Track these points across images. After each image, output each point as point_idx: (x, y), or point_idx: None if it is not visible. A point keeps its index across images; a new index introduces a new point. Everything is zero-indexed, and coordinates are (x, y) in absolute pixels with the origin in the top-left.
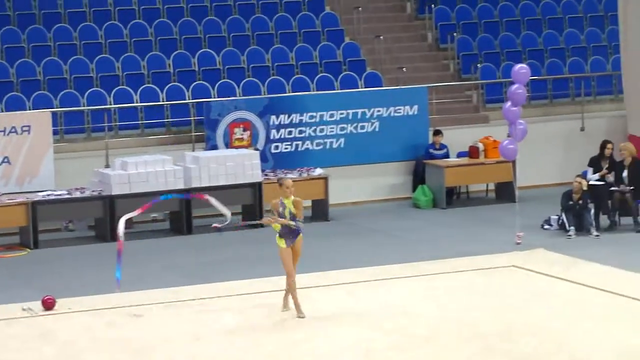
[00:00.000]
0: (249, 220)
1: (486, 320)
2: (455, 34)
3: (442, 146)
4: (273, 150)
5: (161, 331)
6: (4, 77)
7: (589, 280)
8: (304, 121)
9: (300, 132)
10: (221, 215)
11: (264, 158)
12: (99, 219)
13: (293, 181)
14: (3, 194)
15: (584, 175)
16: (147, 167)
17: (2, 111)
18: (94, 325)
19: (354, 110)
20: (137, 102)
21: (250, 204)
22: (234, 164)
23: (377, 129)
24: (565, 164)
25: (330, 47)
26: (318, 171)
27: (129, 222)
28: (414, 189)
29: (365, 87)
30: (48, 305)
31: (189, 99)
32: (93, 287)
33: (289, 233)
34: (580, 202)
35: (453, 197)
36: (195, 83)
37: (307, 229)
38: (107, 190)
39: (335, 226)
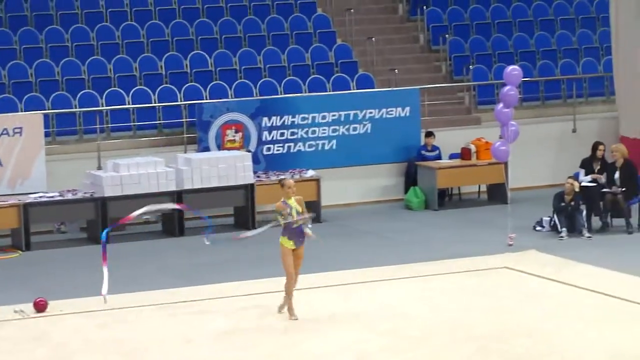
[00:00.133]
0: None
1: (478, 321)
2: (447, 35)
3: (434, 148)
4: (265, 152)
5: (153, 333)
6: None
7: (580, 281)
8: (296, 123)
9: (293, 133)
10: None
11: (256, 160)
12: (91, 220)
13: None
14: None
15: (575, 177)
16: (139, 169)
17: None
18: (86, 327)
19: (346, 112)
20: (129, 104)
21: (242, 206)
22: (226, 166)
23: (369, 131)
24: (557, 165)
25: (322, 48)
26: (310, 173)
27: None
28: (406, 191)
29: (357, 89)
30: (40, 307)
31: (181, 101)
32: (85, 289)
33: (298, 234)
34: (572, 203)
35: (445, 199)
36: (187, 85)
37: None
38: (99, 192)
39: (327, 228)
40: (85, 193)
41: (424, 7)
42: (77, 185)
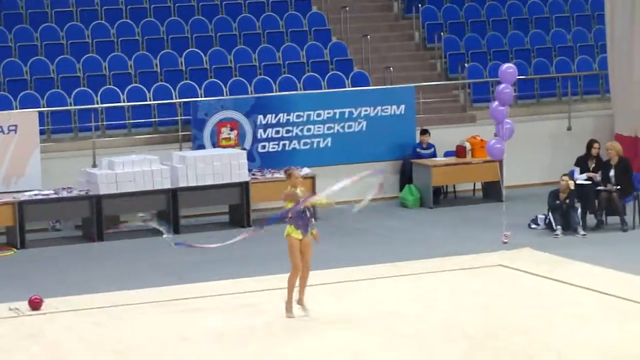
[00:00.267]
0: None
1: (473, 319)
2: (442, 33)
3: (429, 145)
4: (260, 150)
5: (148, 331)
6: None
7: (575, 279)
8: (291, 121)
9: (288, 131)
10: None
11: (251, 158)
12: (86, 218)
13: (280, 181)
14: None
15: (571, 175)
16: (134, 167)
17: None
18: (81, 324)
19: (341, 110)
20: (124, 102)
21: (237, 204)
22: (221, 164)
23: (364, 129)
24: (552, 163)
25: (317, 46)
26: (305, 170)
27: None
28: (401, 189)
29: (353, 87)
30: (35, 305)
31: (176, 99)
32: (80, 287)
33: (305, 224)
34: (567, 201)
35: (440, 197)
36: (182, 83)
37: None
38: (94, 190)
39: (322, 225)
40: (80, 191)
41: (419, 5)
42: (72, 183)
